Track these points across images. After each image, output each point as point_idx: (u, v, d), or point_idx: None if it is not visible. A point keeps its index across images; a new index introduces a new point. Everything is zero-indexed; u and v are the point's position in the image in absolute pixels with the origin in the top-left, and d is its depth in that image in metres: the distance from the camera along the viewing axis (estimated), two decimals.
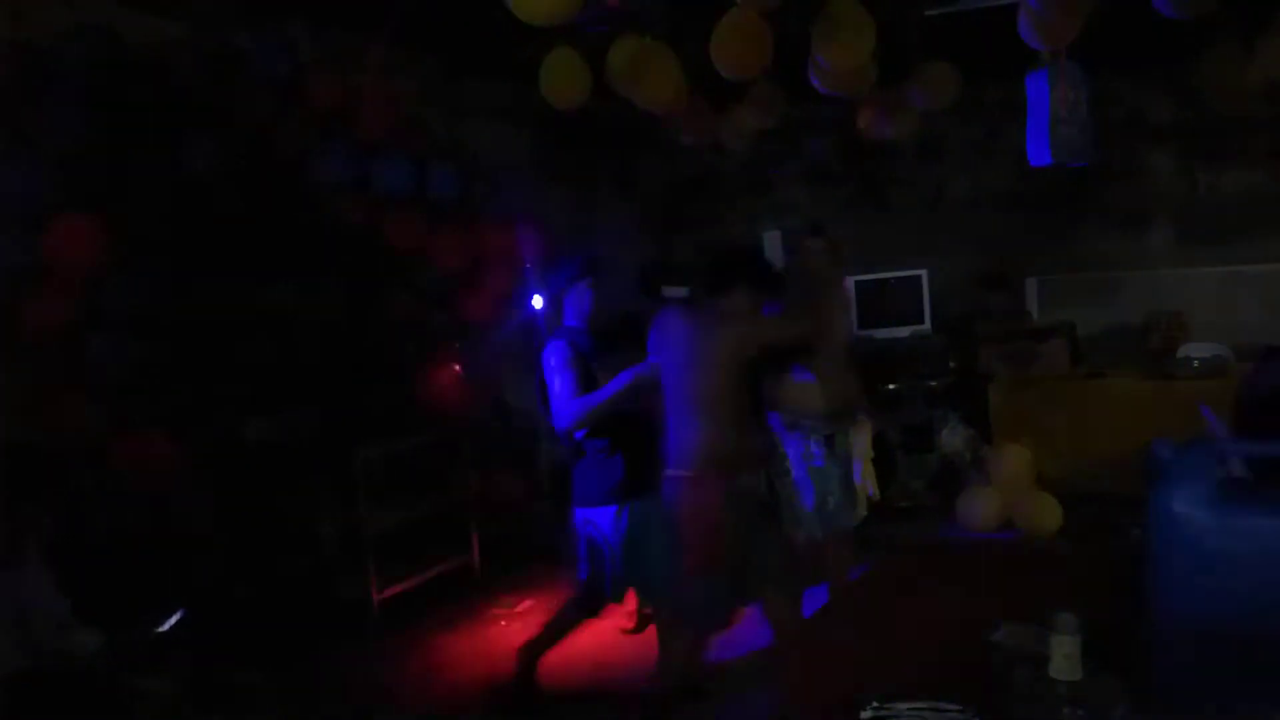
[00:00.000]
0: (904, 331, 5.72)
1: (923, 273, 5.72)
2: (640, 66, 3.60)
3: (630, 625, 3.89)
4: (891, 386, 5.47)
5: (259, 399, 3.94)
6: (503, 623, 4.11)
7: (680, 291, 4.60)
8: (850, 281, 5.41)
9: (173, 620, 2.69)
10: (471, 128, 5.06)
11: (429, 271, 4.50)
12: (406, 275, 4.53)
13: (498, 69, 4.63)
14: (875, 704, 1.25)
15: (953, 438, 5.26)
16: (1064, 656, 1.09)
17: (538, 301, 4.87)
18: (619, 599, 3.36)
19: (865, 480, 3.51)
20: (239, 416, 3.86)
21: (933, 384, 5.58)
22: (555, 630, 3.30)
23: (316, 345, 4.21)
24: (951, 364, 5.67)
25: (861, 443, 3.52)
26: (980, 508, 4.99)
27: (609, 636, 3.85)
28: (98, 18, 3.44)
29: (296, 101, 3.88)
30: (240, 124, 3.74)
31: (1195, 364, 5.12)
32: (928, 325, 5.72)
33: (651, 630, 3.52)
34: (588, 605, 3.27)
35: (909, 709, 1.23)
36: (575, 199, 5.90)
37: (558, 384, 3.02)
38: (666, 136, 4.79)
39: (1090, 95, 3.55)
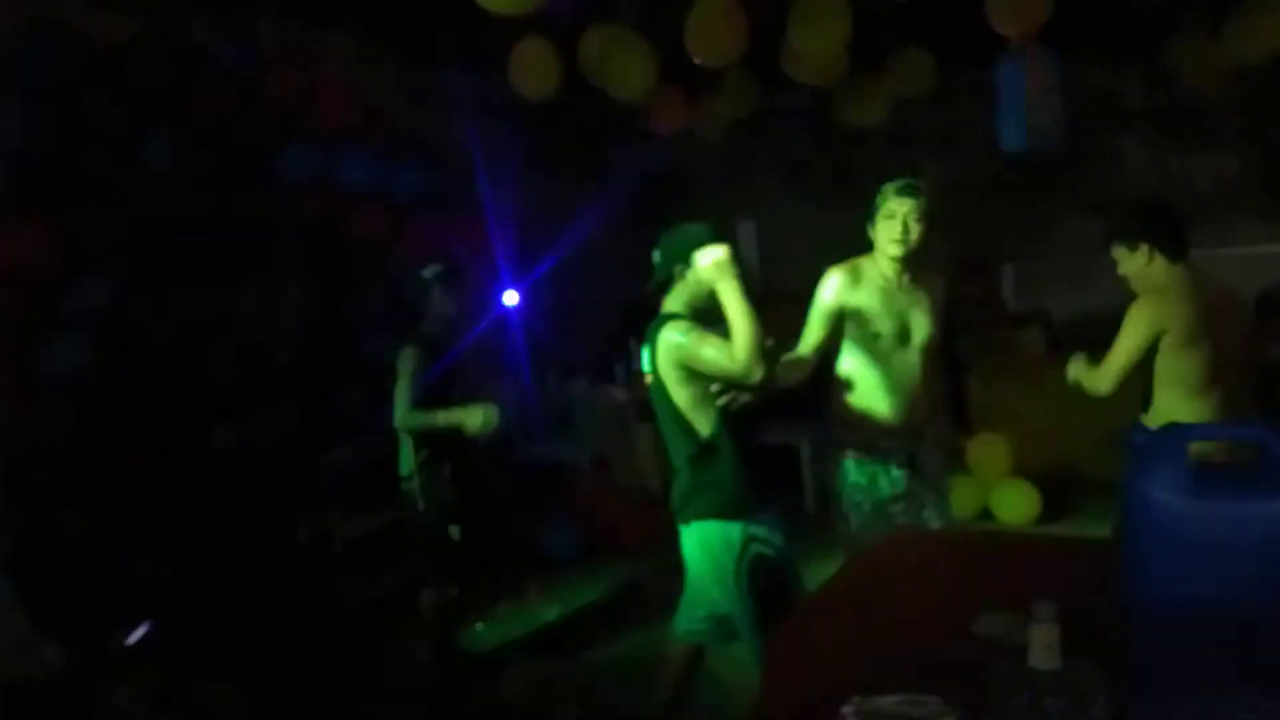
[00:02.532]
0: None
1: None
2: (612, 55, 3.56)
3: None
4: None
5: (225, 403, 3.87)
6: (478, 627, 4.07)
7: None
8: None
9: (139, 632, 2.62)
10: (439, 120, 5.00)
11: (398, 269, 4.43)
12: (375, 273, 4.46)
13: (466, 60, 4.57)
14: (857, 698, 1.23)
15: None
16: (1043, 646, 1.07)
17: (511, 297, 4.82)
18: None
19: None
20: (205, 421, 3.79)
21: None
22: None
23: (284, 347, 4.14)
24: None
25: None
26: (959, 497, 5.00)
27: None
28: (54, 13, 3.35)
29: (259, 96, 3.80)
30: (201, 120, 3.66)
31: None
32: None
33: None
34: None
35: (891, 702, 1.21)
36: (547, 191, 5.85)
37: None
38: (639, 126, 4.75)
39: (1062, 80, 3.56)
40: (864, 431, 2.75)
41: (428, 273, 3.33)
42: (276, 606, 3.81)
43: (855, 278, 2.71)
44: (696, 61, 3.52)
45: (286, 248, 4.07)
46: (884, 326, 2.67)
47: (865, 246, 2.77)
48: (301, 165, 3.92)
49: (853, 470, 2.78)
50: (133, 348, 3.44)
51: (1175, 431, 1.25)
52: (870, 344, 2.70)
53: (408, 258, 4.31)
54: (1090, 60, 5.27)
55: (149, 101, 3.50)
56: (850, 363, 2.76)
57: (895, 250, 2.65)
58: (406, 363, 3.23)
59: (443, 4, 3.78)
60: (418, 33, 4.46)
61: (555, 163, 5.97)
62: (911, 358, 2.73)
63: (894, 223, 2.64)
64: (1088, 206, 5.84)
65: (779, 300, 3.50)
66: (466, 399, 3.32)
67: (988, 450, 5.03)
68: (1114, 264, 2.68)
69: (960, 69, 4.27)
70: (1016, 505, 4.84)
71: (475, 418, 3.21)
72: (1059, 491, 4.88)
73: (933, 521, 2.84)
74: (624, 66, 3.62)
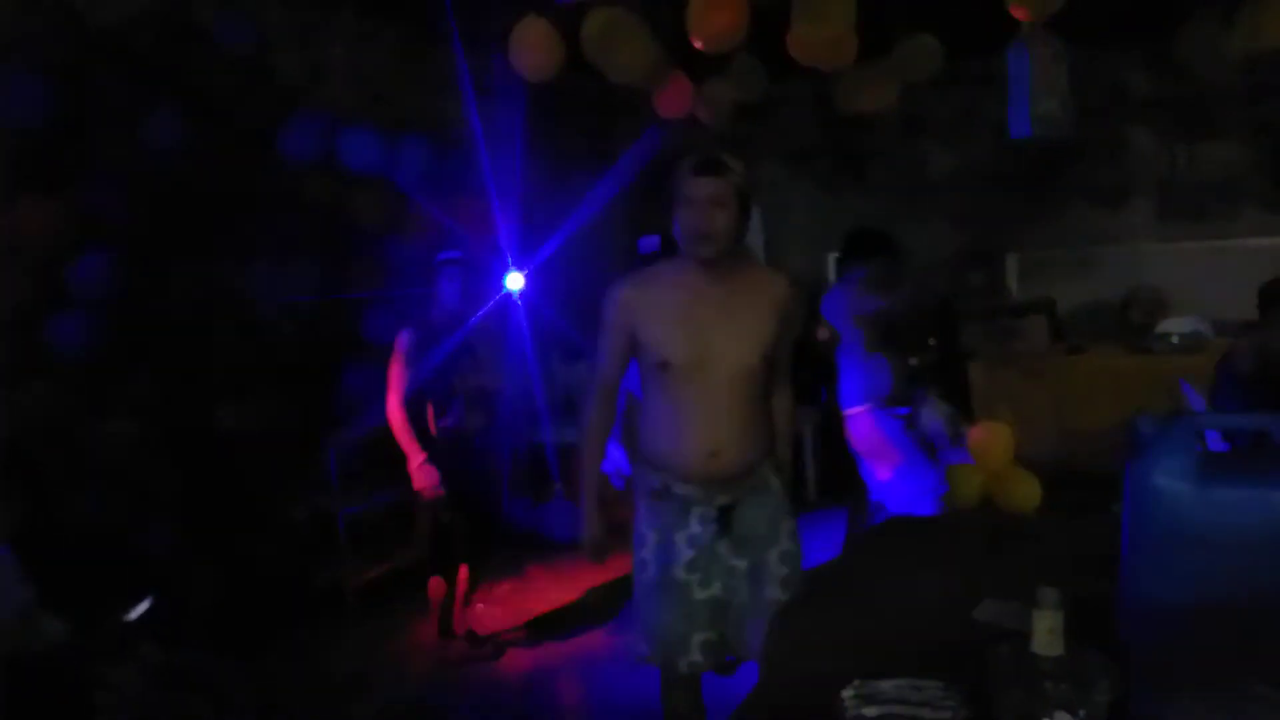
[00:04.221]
0: None
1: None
2: (615, 38, 3.53)
3: None
4: None
5: (228, 383, 3.87)
6: (480, 606, 4.08)
7: None
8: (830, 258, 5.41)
9: (141, 608, 2.64)
10: (443, 101, 4.97)
11: (401, 250, 4.42)
12: (378, 254, 4.45)
13: (470, 40, 4.54)
14: (857, 682, 1.23)
15: (933, 415, 5.26)
16: (1046, 632, 1.07)
17: (515, 281, 4.80)
18: None
19: None
20: (208, 402, 3.79)
21: (912, 361, 5.59)
22: None
23: (287, 328, 4.14)
24: (931, 341, 5.68)
25: None
26: (961, 485, 5.00)
27: None
28: None
29: (262, 76, 3.78)
30: (204, 99, 3.64)
31: (1175, 339, 5.14)
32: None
33: None
34: None
35: (891, 687, 1.22)
36: (550, 174, 5.83)
37: None
38: (644, 111, 4.72)
39: (1070, 68, 3.53)
40: (659, 474, 2.15)
41: (438, 260, 3.38)
42: (278, 585, 3.83)
43: (642, 293, 2.11)
44: (697, 46, 3.49)
45: (291, 227, 4.06)
46: (673, 354, 2.06)
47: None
48: (305, 145, 3.90)
49: (641, 520, 2.19)
50: (137, 326, 3.44)
51: (1181, 419, 1.24)
52: (659, 372, 2.09)
53: (412, 239, 4.31)
54: (1099, 48, 5.24)
55: (151, 80, 3.48)
56: (646, 392, 2.18)
57: (697, 248, 2.02)
58: (402, 345, 3.28)
59: None
60: (421, 12, 4.43)
61: (560, 146, 5.94)
62: (715, 389, 2.07)
63: (693, 211, 1.99)
64: (1094, 196, 5.81)
65: None
66: (466, 387, 3.35)
67: (990, 439, 5.02)
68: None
69: (968, 56, 4.23)
70: (1019, 494, 4.84)
71: (420, 477, 3.29)
72: (1061, 480, 4.88)
73: (750, 603, 2.13)
74: (626, 50, 3.59)
